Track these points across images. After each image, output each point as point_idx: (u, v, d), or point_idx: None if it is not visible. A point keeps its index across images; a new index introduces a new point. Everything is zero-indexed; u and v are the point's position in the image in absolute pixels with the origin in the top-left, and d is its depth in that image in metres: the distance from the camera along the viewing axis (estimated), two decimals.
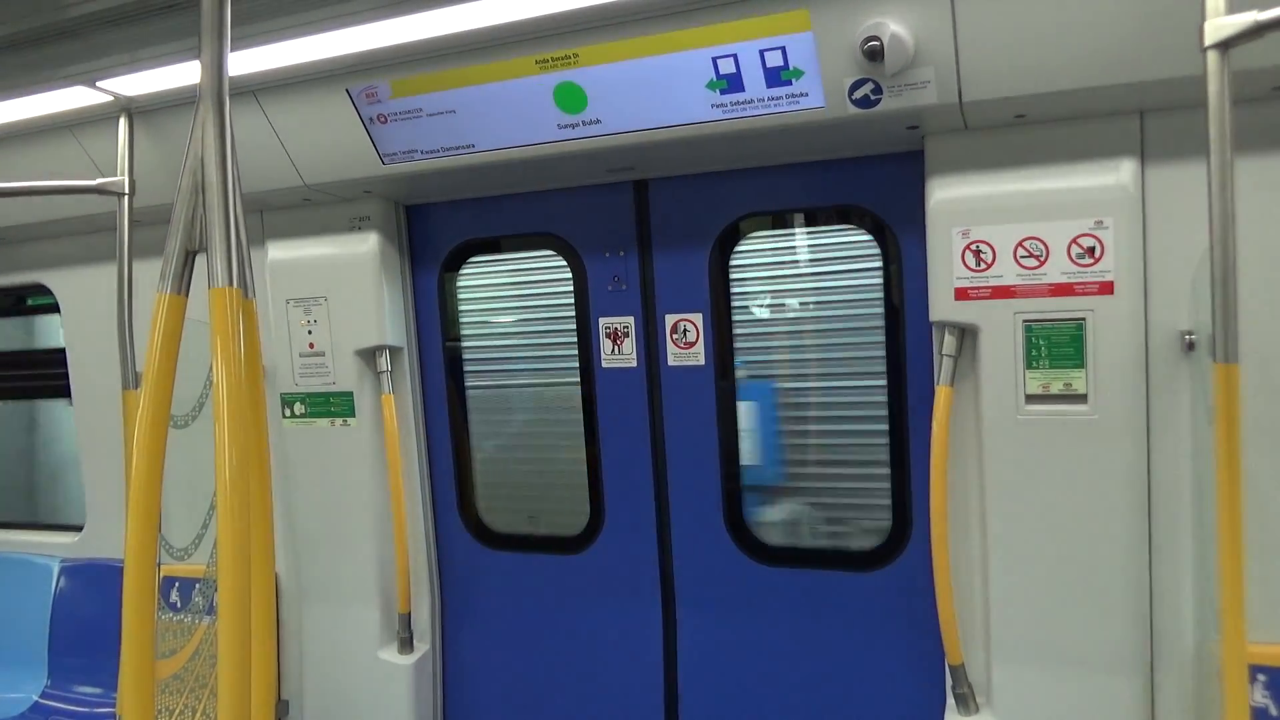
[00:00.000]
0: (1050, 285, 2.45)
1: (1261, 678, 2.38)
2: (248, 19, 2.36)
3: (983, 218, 2.50)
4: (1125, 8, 2.05)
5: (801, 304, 3.24)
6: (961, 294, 2.53)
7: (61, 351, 4.09)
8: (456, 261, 3.56)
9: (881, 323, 3.00)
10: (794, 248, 3.21)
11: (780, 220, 3.21)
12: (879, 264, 2.98)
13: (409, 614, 3.49)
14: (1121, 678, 2.52)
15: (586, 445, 3.43)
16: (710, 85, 2.46)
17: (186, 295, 1.63)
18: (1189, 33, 1.86)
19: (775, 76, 2.39)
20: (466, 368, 3.64)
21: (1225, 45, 1.79)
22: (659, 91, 2.51)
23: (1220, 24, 1.79)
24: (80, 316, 4.00)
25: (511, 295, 3.65)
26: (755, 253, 3.19)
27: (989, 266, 2.49)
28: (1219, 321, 1.85)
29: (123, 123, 3.01)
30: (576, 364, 3.40)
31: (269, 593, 1.85)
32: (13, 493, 5.30)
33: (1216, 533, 1.91)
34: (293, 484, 3.55)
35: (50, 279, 4.05)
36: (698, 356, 3.19)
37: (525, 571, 3.56)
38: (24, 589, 4.18)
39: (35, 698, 4.00)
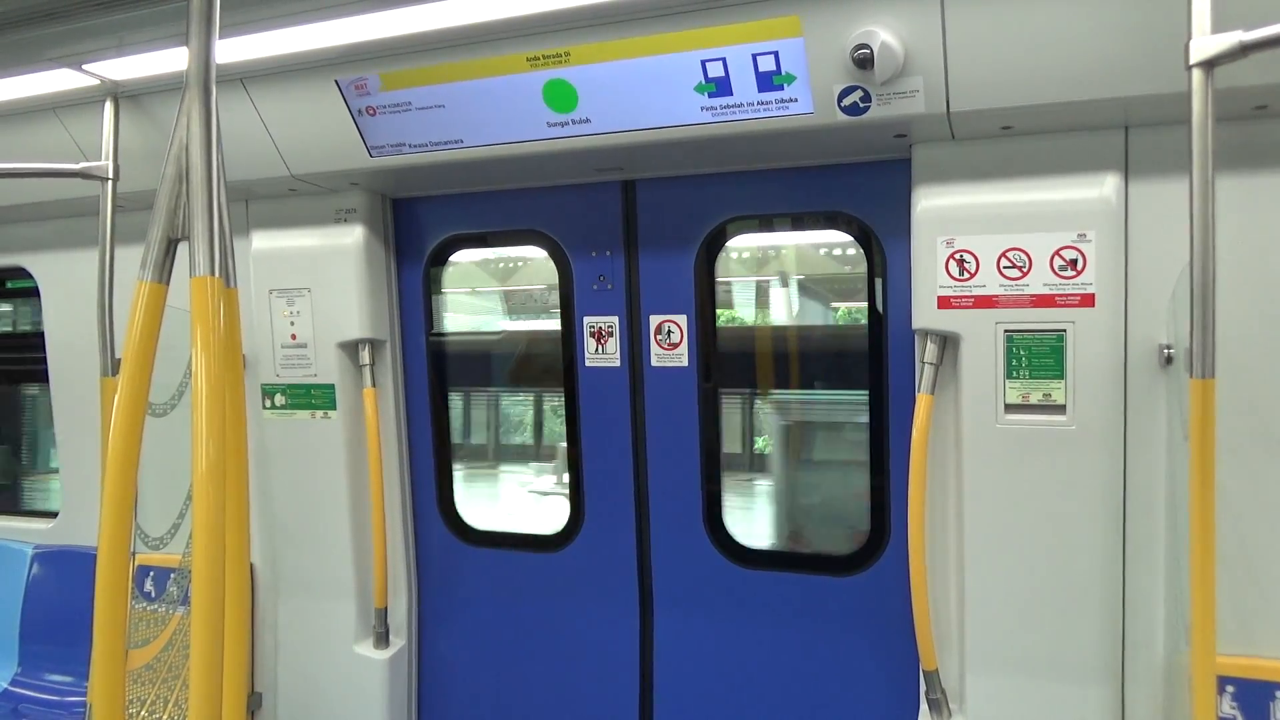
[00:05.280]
0: (1032, 296, 2.47)
1: (1230, 689, 2.40)
2: (238, 6, 2.35)
3: (967, 227, 2.51)
4: (1113, 24, 2.07)
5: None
6: (944, 303, 2.55)
7: (40, 336, 4.06)
8: (442, 256, 3.55)
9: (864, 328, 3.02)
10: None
11: (767, 224, 3.22)
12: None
13: (385, 609, 3.48)
14: (1093, 687, 2.54)
15: (568, 444, 3.43)
16: (698, 88, 2.46)
17: (167, 283, 1.62)
18: (1174, 51, 1.87)
19: (766, 81, 2.40)
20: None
21: (1210, 64, 1.81)
22: (649, 92, 2.52)
23: (1205, 43, 1.81)
24: (61, 301, 3.97)
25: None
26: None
27: (972, 276, 2.51)
28: (1197, 336, 1.87)
29: (108, 107, 2.98)
30: None
31: (244, 584, 1.85)
32: None
33: (1189, 545, 1.93)
34: (271, 475, 3.53)
35: (31, 262, 4.01)
36: (681, 358, 3.19)
37: (503, 569, 3.55)
38: None
39: (5, 685, 3.96)
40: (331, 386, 3.39)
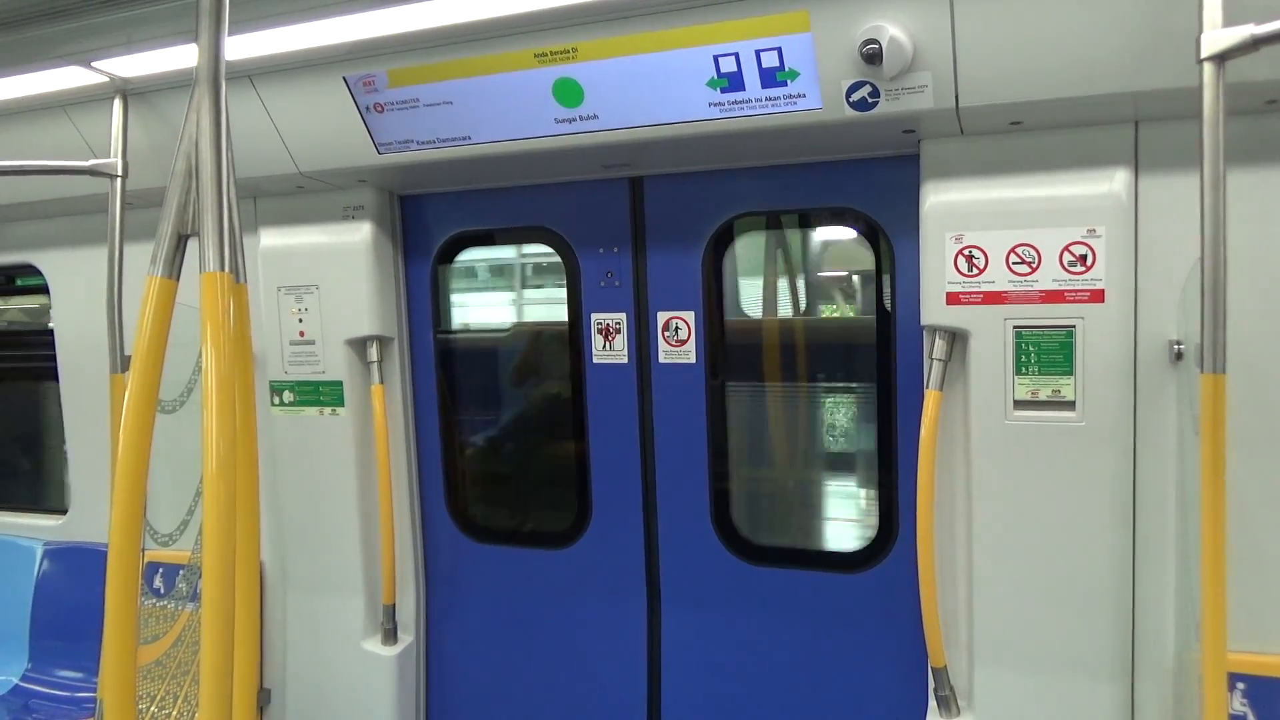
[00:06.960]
0: (1041, 292, 2.46)
1: (1240, 686, 2.40)
2: (246, 3, 2.35)
3: (976, 223, 2.51)
4: (1123, 18, 2.06)
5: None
6: (953, 299, 2.54)
7: (50, 333, 4.07)
8: (450, 253, 3.55)
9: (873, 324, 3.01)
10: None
11: (774, 220, 3.21)
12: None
13: (393, 605, 3.48)
14: (1102, 684, 2.53)
15: (575, 440, 3.43)
16: (711, 83, 2.45)
17: (177, 279, 1.63)
18: (1185, 44, 1.86)
19: (773, 77, 2.39)
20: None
21: (1221, 58, 1.80)
22: (656, 88, 2.51)
23: (1216, 36, 1.80)
24: (70, 298, 3.98)
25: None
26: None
27: (981, 272, 2.50)
28: (1207, 332, 1.86)
29: (117, 104, 2.99)
30: None
31: (253, 581, 1.85)
32: None
33: (1199, 541, 1.93)
34: (280, 472, 3.54)
35: (40, 259, 4.03)
36: (689, 354, 3.19)
37: (511, 565, 3.56)
38: (6, 571, 4.16)
39: (16, 680, 3.98)
40: (339, 383, 3.40)
